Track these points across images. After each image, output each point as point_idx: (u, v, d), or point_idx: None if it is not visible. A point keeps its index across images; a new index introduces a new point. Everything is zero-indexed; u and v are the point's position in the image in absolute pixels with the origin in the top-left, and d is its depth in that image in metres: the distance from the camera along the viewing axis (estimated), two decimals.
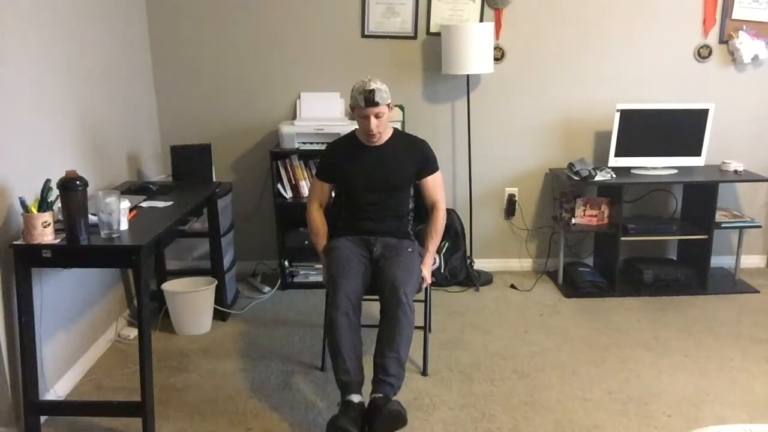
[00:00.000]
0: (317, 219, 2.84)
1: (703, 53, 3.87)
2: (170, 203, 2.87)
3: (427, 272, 2.71)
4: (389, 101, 2.65)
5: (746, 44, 3.78)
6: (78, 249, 2.29)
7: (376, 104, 2.58)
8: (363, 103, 2.58)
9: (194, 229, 3.34)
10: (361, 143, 2.75)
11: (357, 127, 2.78)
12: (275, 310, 3.55)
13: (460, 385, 2.75)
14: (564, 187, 3.87)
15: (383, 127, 2.69)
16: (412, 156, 2.78)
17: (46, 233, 2.27)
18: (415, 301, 2.52)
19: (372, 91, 2.56)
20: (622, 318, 3.41)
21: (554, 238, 4.04)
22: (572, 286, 3.79)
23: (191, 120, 3.86)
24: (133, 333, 3.16)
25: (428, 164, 2.80)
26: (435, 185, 2.82)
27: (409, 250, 2.70)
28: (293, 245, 3.75)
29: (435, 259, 2.84)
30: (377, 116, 2.62)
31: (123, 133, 3.36)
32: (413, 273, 2.60)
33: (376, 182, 2.74)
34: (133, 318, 3.31)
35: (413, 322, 2.48)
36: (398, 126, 3.78)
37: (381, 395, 2.34)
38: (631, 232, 3.72)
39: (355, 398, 2.36)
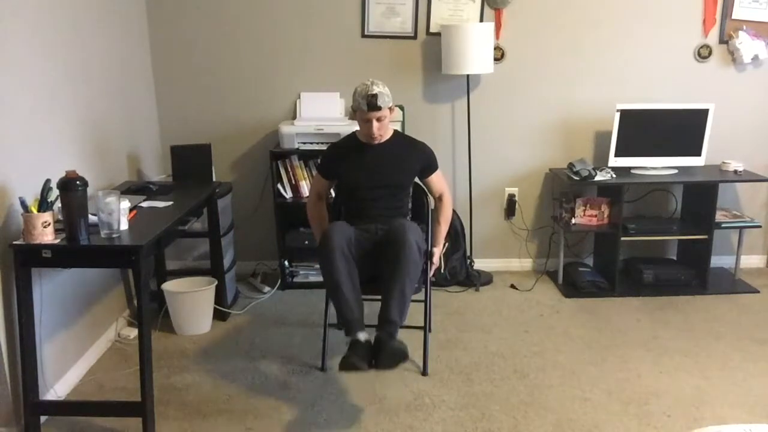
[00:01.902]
0: (317, 206, 2.96)
1: (703, 53, 3.87)
2: (170, 203, 2.87)
3: (437, 253, 2.91)
4: (391, 104, 2.70)
5: (746, 44, 3.78)
6: (78, 249, 2.29)
7: (379, 108, 2.63)
8: (365, 107, 2.62)
9: (194, 229, 3.33)
10: (362, 143, 2.78)
11: (358, 128, 2.80)
12: (275, 310, 3.55)
13: (460, 385, 2.75)
14: (564, 187, 3.87)
15: (385, 129, 2.75)
16: (415, 157, 2.84)
17: (46, 233, 2.27)
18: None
19: (375, 96, 2.60)
20: (622, 318, 3.41)
21: (554, 238, 4.03)
22: (572, 286, 3.79)
23: (191, 120, 3.86)
24: (133, 333, 3.16)
25: (431, 165, 2.90)
26: (440, 180, 2.96)
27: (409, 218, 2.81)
28: (293, 245, 3.75)
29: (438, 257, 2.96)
30: (379, 120, 2.67)
31: (123, 133, 3.36)
32: (416, 229, 2.65)
33: (377, 180, 2.78)
34: (133, 318, 3.31)
35: (419, 265, 2.56)
36: (398, 126, 3.79)
37: (385, 333, 2.43)
38: (631, 232, 3.72)
39: (361, 336, 2.44)
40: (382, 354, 2.38)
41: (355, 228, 2.72)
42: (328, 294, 2.65)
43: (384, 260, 2.55)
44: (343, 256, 2.52)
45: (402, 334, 2.52)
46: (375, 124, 2.66)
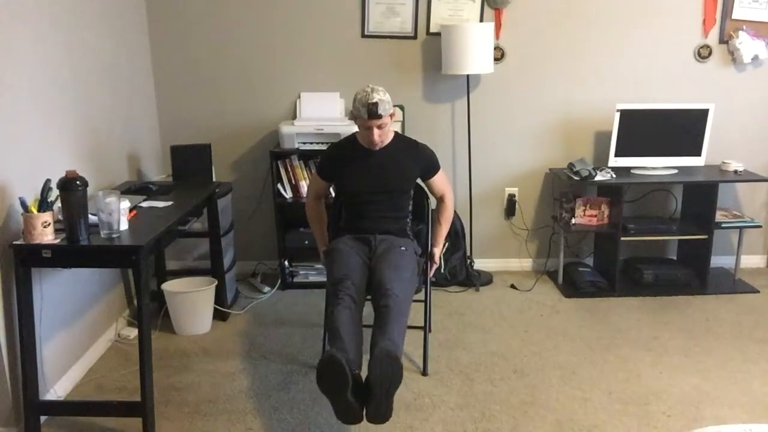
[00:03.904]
0: (315, 207, 2.94)
1: (703, 53, 3.87)
2: (170, 203, 2.87)
3: (437, 253, 2.92)
4: (391, 111, 2.68)
5: (746, 44, 3.78)
6: (78, 249, 2.29)
7: (379, 116, 2.60)
8: (366, 115, 2.60)
9: (194, 229, 3.34)
10: (362, 146, 2.77)
11: (357, 130, 2.79)
12: (275, 310, 3.55)
13: (460, 385, 2.75)
14: (564, 187, 3.87)
15: (385, 135, 2.73)
16: (415, 160, 2.82)
17: (46, 233, 2.27)
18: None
19: (375, 104, 2.57)
20: (622, 318, 3.41)
21: (554, 238, 4.04)
22: (572, 286, 3.79)
23: (191, 120, 3.86)
24: (133, 333, 3.16)
25: (432, 166, 2.88)
26: (441, 181, 2.93)
27: (402, 248, 2.70)
28: (293, 245, 3.75)
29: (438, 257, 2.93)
30: (380, 127, 2.65)
31: (123, 133, 3.36)
32: (404, 271, 2.57)
33: (377, 184, 2.76)
34: (133, 318, 3.31)
35: (406, 313, 2.42)
36: (398, 126, 3.79)
37: (382, 342, 2.22)
38: (631, 232, 3.72)
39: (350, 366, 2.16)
40: (370, 360, 2.13)
41: (353, 243, 2.70)
42: (326, 338, 2.45)
43: (373, 307, 2.46)
44: (349, 310, 2.37)
45: None
46: (376, 131, 2.64)
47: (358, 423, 2.17)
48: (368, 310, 2.60)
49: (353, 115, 2.68)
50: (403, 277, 2.54)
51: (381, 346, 2.17)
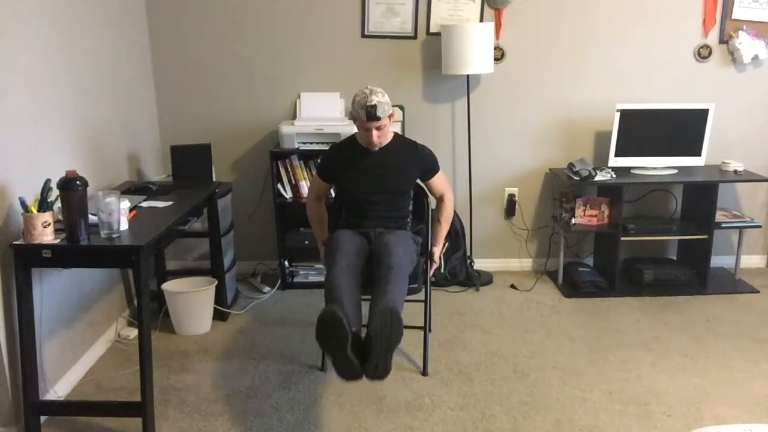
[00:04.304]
0: (316, 208, 2.95)
1: (703, 53, 3.87)
2: (170, 203, 2.87)
3: (437, 252, 2.91)
4: (390, 112, 2.68)
5: (746, 44, 3.78)
6: (78, 249, 2.29)
7: (378, 118, 2.61)
8: (364, 117, 2.61)
9: (194, 229, 3.34)
10: (362, 147, 2.78)
11: (357, 131, 2.79)
12: (275, 310, 3.55)
13: (460, 385, 2.75)
14: (564, 187, 3.87)
15: (384, 136, 2.74)
16: (414, 161, 2.83)
17: (46, 233, 2.27)
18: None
19: (374, 106, 2.58)
20: (622, 318, 3.41)
21: (554, 238, 4.04)
22: (572, 286, 3.79)
23: (191, 120, 3.86)
24: (133, 333, 3.16)
25: (431, 167, 2.89)
26: (441, 182, 2.94)
27: (402, 233, 2.76)
28: (293, 245, 3.75)
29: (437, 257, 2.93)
30: (379, 128, 2.66)
31: (123, 133, 3.36)
32: (406, 245, 2.63)
33: (376, 185, 2.78)
34: (133, 318, 3.31)
35: (405, 280, 2.47)
36: (398, 126, 3.79)
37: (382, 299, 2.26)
38: (631, 232, 3.72)
39: (352, 328, 2.19)
40: (370, 315, 2.15)
41: (353, 232, 2.73)
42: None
43: (374, 278, 2.49)
44: (345, 272, 2.43)
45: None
46: (375, 132, 2.66)
47: (358, 379, 2.17)
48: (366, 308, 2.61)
49: (352, 117, 2.69)
50: (405, 248, 2.60)
51: (382, 302, 2.21)
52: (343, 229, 2.77)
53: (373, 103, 2.57)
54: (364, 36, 3.80)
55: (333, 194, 3.15)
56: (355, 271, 2.51)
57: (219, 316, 3.36)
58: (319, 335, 2.13)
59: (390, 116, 2.69)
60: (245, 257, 3.98)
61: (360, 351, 2.16)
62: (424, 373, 2.84)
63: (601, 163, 3.86)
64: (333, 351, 2.14)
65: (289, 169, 3.66)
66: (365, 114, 2.59)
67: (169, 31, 3.75)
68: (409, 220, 2.91)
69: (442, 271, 3.76)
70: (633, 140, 3.72)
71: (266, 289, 3.79)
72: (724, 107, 3.83)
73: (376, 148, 2.74)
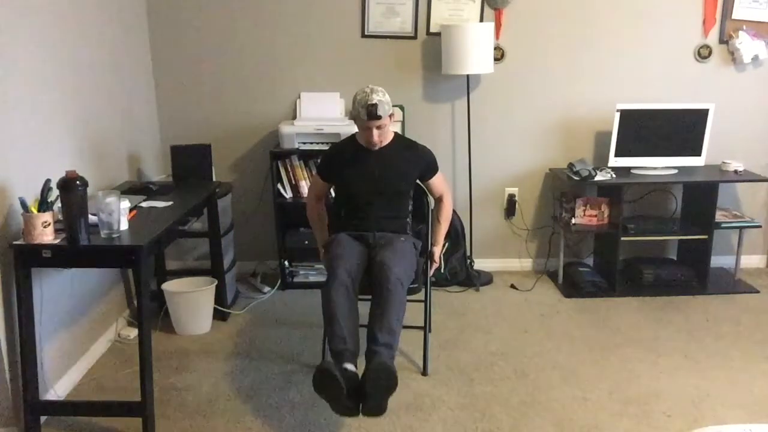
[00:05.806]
0: (315, 208, 2.96)
1: (703, 53, 3.87)
2: (170, 203, 2.87)
3: (437, 252, 2.91)
4: (391, 112, 2.69)
5: (746, 44, 3.78)
6: (78, 249, 2.29)
7: (379, 117, 2.62)
8: (365, 116, 2.61)
9: (194, 229, 3.34)
10: (363, 147, 2.78)
11: (357, 130, 2.80)
12: (275, 310, 3.55)
13: (460, 385, 2.75)
14: (564, 187, 3.87)
15: (385, 136, 2.74)
16: (414, 161, 2.84)
17: (46, 233, 2.27)
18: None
19: (374, 106, 2.58)
20: (622, 318, 3.41)
21: (554, 238, 4.04)
22: (572, 286, 3.79)
23: (191, 120, 3.86)
24: (133, 333, 3.16)
25: (431, 168, 2.89)
26: (440, 182, 2.94)
27: (402, 239, 2.74)
28: (293, 245, 3.75)
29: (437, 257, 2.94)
30: (379, 128, 2.66)
31: (123, 133, 3.36)
32: (404, 257, 2.62)
33: (376, 185, 2.77)
34: (133, 318, 3.31)
35: (404, 301, 2.47)
36: (398, 126, 3.79)
37: (376, 347, 2.31)
38: (631, 232, 3.72)
39: (349, 366, 2.27)
40: (365, 373, 2.20)
41: (352, 237, 2.73)
42: (323, 318, 2.47)
43: (372, 295, 2.49)
44: (345, 288, 2.44)
45: (402, 334, 2.49)
46: (375, 132, 2.66)
47: (354, 416, 2.25)
48: (363, 310, 2.61)
49: (353, 116, 2.69)
50: (404, 261, 2.59)
51: (377, 360, 2.24)
52: (343, 234, 2.76)
53: (374, 102, 2.58)
54: (364, 36, 3.80)
55: (333, 194, 3.15)
56: (354, 288, 2.50)
57: (219, 316, 3.36)
58: (317, 387, 2.22)
59: (390, 116, 2.70)
60: (245, 257, 3.98)
61: (357, 390, 2.22)
62: (424, 373, 2.84)
63: (601, 163, 3.86)
64: (330, 400, 2.22)
65: (289, 169, 3.66)
66: (366, 113, 2.60)
67: (170, 31, 3.75)
68: (408, 220, 2.91)
69: (442, 271, 3.76)
70: (633, 140, 3.72)
71: (266, 289, 3.79)
72: (724, 107, 3.83)
73: (377, 148, 2.74)
